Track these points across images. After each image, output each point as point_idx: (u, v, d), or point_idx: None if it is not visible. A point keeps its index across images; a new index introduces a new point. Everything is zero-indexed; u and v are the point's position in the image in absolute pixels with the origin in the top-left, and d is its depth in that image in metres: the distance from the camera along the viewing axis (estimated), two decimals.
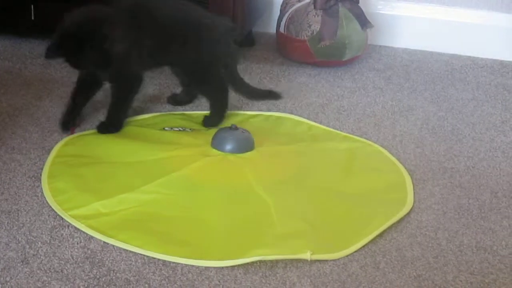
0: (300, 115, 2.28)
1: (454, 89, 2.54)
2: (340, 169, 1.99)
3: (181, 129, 2.10)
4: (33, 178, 1.84)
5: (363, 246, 1.63)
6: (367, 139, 2.15)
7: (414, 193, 1.87)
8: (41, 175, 1.85)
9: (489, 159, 2.07)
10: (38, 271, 1.49)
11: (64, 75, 2.42)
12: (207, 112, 2.19)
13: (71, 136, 2.05)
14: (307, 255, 1.56)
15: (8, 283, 1.45)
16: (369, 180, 1.94)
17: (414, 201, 1.83)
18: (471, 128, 2.25)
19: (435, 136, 2.19)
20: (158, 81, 2.44)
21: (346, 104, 2.38)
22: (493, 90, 2.55)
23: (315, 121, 2.25)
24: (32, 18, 2.66)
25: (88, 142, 2.04)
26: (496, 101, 2.45)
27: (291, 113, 2.29)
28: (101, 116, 2.13)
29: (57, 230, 1.63)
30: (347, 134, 2.18)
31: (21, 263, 1.52)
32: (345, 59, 2.63)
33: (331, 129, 2.21)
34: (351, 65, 2.68)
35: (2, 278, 1.46)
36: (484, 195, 1.88)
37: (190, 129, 2.11)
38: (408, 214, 1.77)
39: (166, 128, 2.10)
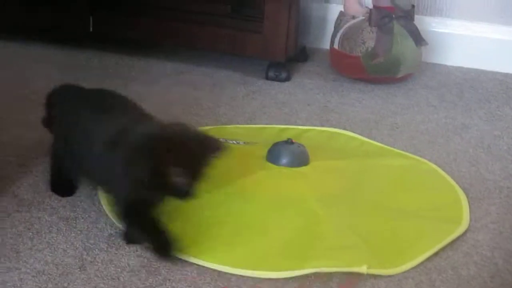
0: (353, 131, 2.27)
1: (509, 108, 2.52)
2: (393, 186, 1.99)
3: (235, 142, 2.11)
4: (91, 186, 1.86)
5: (419, 264, 1.62)
6: (420, 156, 2.14)
7: (469, 211, 1.85)
8: None
9: None
10: (95, 278, 1.51)
11: (120, 86, 2.45)
12: (260, 126, 2.20)
13: None
14: (363, 269, 1.55)
15: None
16: (423, 198, 1.93)
17: (470, 220, 1.81)
18: None
19: (490, 155, 2.17)
20: None
21: (399, 121, 2.38)
22: None
23: (368, 137, 2.24)
24: (91, 29, 2.70)
25: None
26: None
27: (344, 128, 2.29)
28: None
29: (113, 238, 1.65)
30: (400, 151, 2.17)
31: (78, 269, 1.54)
32: (399, 76, 2.63)
33: (384, 146, 2.20)
34: (404, 82, 2.68)
35: (60, 284, 1.48)
36: None
37: (244, 142, 2.12)
38: (464, 232, 1.76)
39: (221, 140, 2.11)
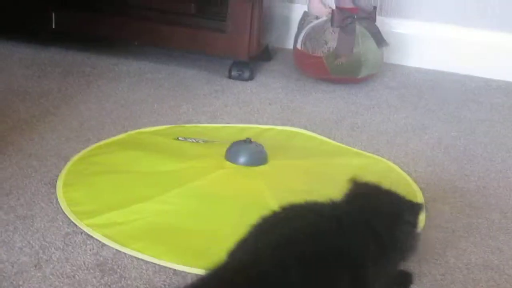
0: (313, 131, 2.30)
1: (467, 110, 2.56)
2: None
3: (194, 140, 2.13)
4: (49, 184, 1.87)
5: None
6: (379, 156, 2.17)
7: (425, 211, 1.88)
8: (56, 182, 1.88)
9: (500, 179, 2.08)
10: (50, 276, 1.52)
11: (83, 84, 2.46)
12: (220, 125, 2.22)
13: (88, 147, 2.08)
14: None
15: (21, 287, 1.47)
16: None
17: (425, 219, 1.84)
18: (483, 148, 2.27)
19: (447, 155, 2.21)
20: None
21: (360, 121, 2.40)
22: (506, 111, 2.56)
23: (328, 137, 2.27)
24: (53, 26, 2.70)
25: (103, 152, 2.07)
26: (509, 122, 2.47)
27: (305, 128, 2.31)
28: None
29: (70, 236, 1.66)
30: (359, 151, 2.20)
31: (34, 267, 1.54)
32: (361, 76, 2.66)
33: (343, 145, 2.23)
34: (366, 83, 2.71)
35: (15, 282, 1.49)
36: (494, 215, 1.89)
37: (203, 141, 2.13)
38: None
39: (180, 138, 2.13)
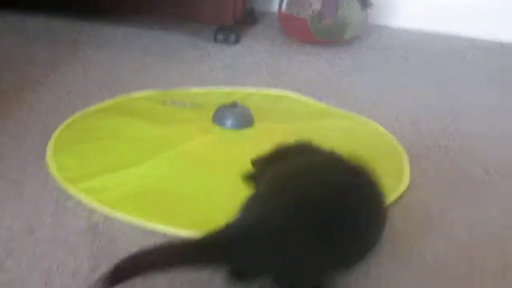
0: (299, 93, 2.32)
1: (452, 70, 2.59)
2: (337, 145, 2.03)
3: (181, 104, 2.15)
4: (38, 151, 1.88)
5: None
6: (364, 116, 2.20)
7: (410, 169, 1.92)
8: (45, 149, 1.90)
9: (483, 138, 2.11)
10: (43, 241, 1.54)
11: (69, 51, 2.47)
12: (209, 89, 2.24)
13: (76, 114, 2.10)
14: None
15: (15, 252, 1.50)
16: (367, 156, 1.98)
17: (410, 177, 1.87)
18: (467, 107, 2.30)
19: (431, 115, 2.24)
20: None
21: (345, 83, 2.43)
22: (490, 70, 2.59)
23: (313, 99, 2.29)
24: None
25: (92, 119, 2.09)
26: (493, 81, 2.51)
27: (291, 91, 2.34)
28: None
29: (61, 201, 1.69)
30: (345, 112, 2.23)
31: (26, 232, 1.57)
32: (345, 38, 2.68)
33: (329, 107, 2.25)
34: (350, 45, 2.73)
35: (8, 247, 1.51)
36: (477, 173, 1.92)
37: (190, 105, 2.15)
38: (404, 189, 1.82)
39: (168, 102, 2.15)
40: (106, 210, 1.65)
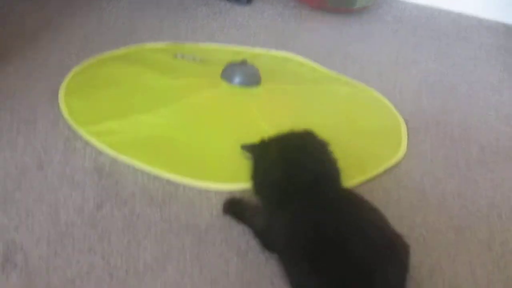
0: (306, 57, 2.37)
1: (457, 47, 2.62)
2: (339, 111, 2.09)
3: (191, 58, 2.19)
4: (51, 92, 1.94)
5: (353, 186, 1.72)
6: (368, 86, 2.25)
7: (407, 140, 1.97)
8: (58, 90, 1.95)
9: (481, 115, 2.17)
10: (51, 177, 1.61)
11: (86, 1, 2.51)
12: (218, 46, 2.29)
13: (90, 59, 2.15)
14: None
15: (24, 185, 1.56)
16: (366, 124, 2.04)
17: (406, 148, 1.93)
18: (469, 85, 2.35)
19: (433, 90, 2.29)
20: None
21: (352, 51, 2.47)
22: (494, 51, 2.63)
23: (320, 64, 2.34)
24: None
25: (104, 65, 2.14)
26: (496, 62, 2.54)
27: (299, 54, 2.38)
28: None
29: (70, 141, 1.74)
30: (349, 79, 2.28)
31: (36, 168, 1.63)
32: (356, 7, 2.71)
33: (334, 73, 2.30)
34: (361, 14, 2.76)
35: (17, 181, 1.58)
36: (472, 149, 1.98)
37: (200, 60, 2.20)
38: (399, 159, 1.88)
39: (178, 56, 2.19)
40: (113, 153, 1.71)
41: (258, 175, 1.50)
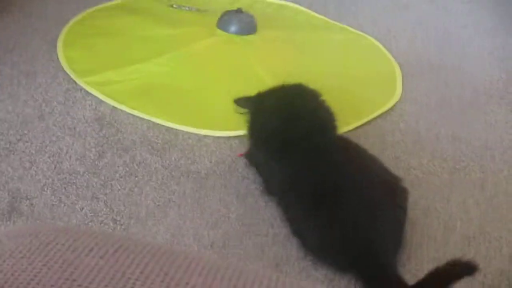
0: (301, 5, 2.38)
1: None
2: (335, 58, 2.12)
3: (187, 8, 2.21)
4: (49, 44, 1.96)
5: (350, 130, 1.76)
6: (363, 32, 2.27)
7: (402, 85, 1.99)
8: (56, 42, 1.97)
9: (475, 59, 2.19)
10: (53, 127, 1.64)
11: None
12: None
13: (88, 10, 2.16)
14: None
15: (26, 136, 1.60)
16: (362, 70, 2.06)
17: (402, 93, 1.95)
18: (462, 30, 2.37)
19: (428, 34, 2.31)
20: None
21: None
22: None
23: (315, 12, 2.35)
24: None
25: (102, 16, 2.16)
26: (490, 6, 2.55)
27: (294, 2, 2.39)
28: None
29: (70, 92, 1.77)
30: (345, 26, 2.29)
31: (37, 119, 1.66)
32: None
33: (330, 20, 2.32)
34: None
35: (20, 131, 1.61)
36: (466, 92, 2.01)
37: (196, 9, 2.22)
38: (394, 104, 1.91)
39: (175, 6, 2.21)
40: (112, 102, 1.74)
41: (256, 127, 1.54)
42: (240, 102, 1.58)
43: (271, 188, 1.51)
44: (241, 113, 1.57)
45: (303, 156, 1.42)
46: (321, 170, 1.40)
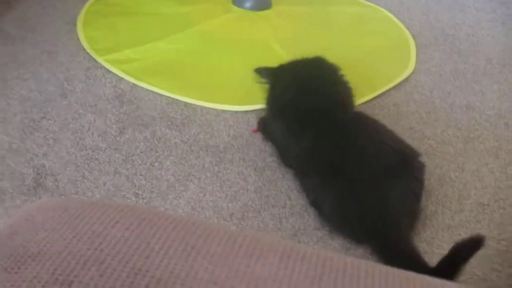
0: None
1: None
2: (350, 31, 2.14)
3: None
4: (70, 23, 2.01)
5: (365, 102, 1.79)
6: (376, 4, 2.29)
7: (416, 56, 2.02)
8: (76, 21, 2.01)
9: (488, 28, 2.21)
10: (75, 105, 1.68)
11: None
12: None
13: None
14: None
15: (49, 113, 1.64)
16: (376, 42, 2.09)
17: (416, 63, 1.98)
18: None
19: (441, 4, 2.33)
20: None
21: None
22: None
23: None
24: None
25: None
26: None
27: None
28: None
29: (91, 70, 1.81)
30: None
31: (60, 96, 1.71)
32: None
33: None
34: None
35: (43, 109, 1.66)
36: (479, 61, 2.03)
37: None
38: (409, 75, 1.94)
39: None
40: (132, 79, 1.78)
41: (275, 97, 1.57)
42: (260, 71, 1.62)
43: (287, 159, 1.55)
44: (260, 83, 1.60)
45: (321, 129, 1.45)
46: (339, 143, 1.43)
